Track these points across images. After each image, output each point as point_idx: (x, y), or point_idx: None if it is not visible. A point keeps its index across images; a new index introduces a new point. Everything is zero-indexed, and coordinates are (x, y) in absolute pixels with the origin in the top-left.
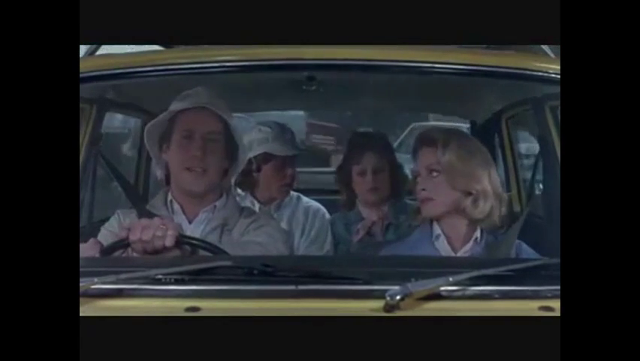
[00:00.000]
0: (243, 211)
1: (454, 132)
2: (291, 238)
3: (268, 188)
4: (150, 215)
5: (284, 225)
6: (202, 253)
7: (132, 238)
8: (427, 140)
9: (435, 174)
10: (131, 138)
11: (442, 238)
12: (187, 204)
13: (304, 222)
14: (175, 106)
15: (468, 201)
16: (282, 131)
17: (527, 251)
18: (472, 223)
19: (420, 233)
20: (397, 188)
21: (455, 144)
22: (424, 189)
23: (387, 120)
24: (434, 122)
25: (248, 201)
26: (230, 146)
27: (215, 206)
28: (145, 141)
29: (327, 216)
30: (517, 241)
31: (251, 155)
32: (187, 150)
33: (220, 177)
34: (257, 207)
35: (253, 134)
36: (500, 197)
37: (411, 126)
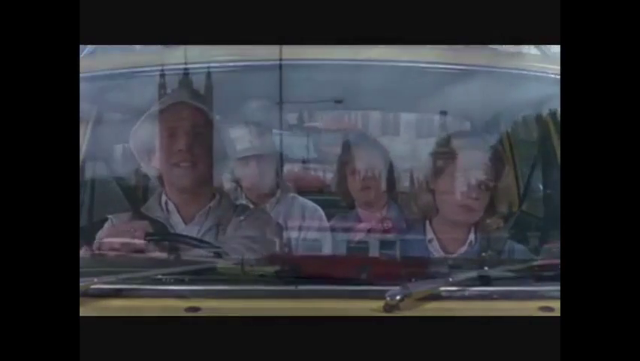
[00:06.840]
0: (237, 209)
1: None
2: (288, 238)
3: (255, 188)
4: (144, 218)
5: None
6: (202, 253)
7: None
8: (489, 151)
9: (484, 187)
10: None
11: (435, 241)
12: (182, 203)
13: (301, 222)
14: (154, 107)
15: (487, 216)
16: (260, 129)
17: (522, 251)
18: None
19: (412, 236)
20: (393, 191)
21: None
22: (476, 198)
23: None
24: None
25: (243, 200)
26: (214, 138)
27: (209, 208)
28: (131, 147)
29: (324, 216)
30: (510, 242)
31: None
32: (172, 147)
33: (210, 170)
34: (251, 207)
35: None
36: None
37: None
